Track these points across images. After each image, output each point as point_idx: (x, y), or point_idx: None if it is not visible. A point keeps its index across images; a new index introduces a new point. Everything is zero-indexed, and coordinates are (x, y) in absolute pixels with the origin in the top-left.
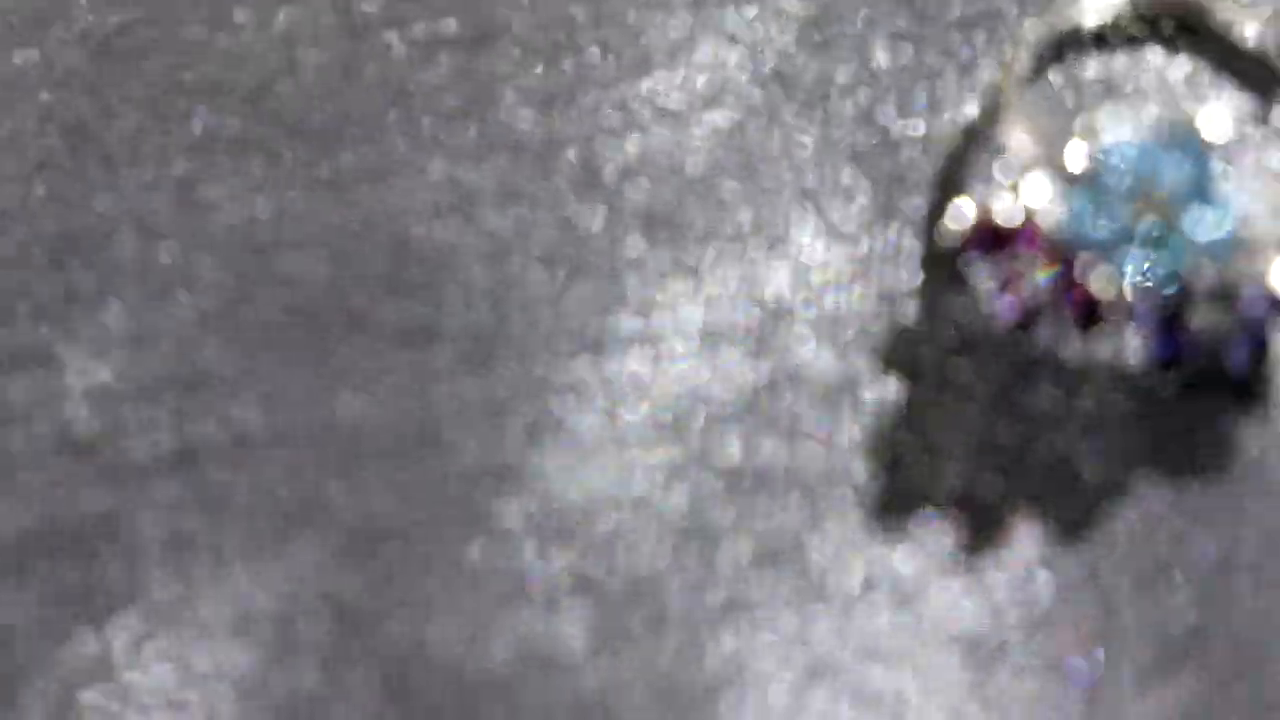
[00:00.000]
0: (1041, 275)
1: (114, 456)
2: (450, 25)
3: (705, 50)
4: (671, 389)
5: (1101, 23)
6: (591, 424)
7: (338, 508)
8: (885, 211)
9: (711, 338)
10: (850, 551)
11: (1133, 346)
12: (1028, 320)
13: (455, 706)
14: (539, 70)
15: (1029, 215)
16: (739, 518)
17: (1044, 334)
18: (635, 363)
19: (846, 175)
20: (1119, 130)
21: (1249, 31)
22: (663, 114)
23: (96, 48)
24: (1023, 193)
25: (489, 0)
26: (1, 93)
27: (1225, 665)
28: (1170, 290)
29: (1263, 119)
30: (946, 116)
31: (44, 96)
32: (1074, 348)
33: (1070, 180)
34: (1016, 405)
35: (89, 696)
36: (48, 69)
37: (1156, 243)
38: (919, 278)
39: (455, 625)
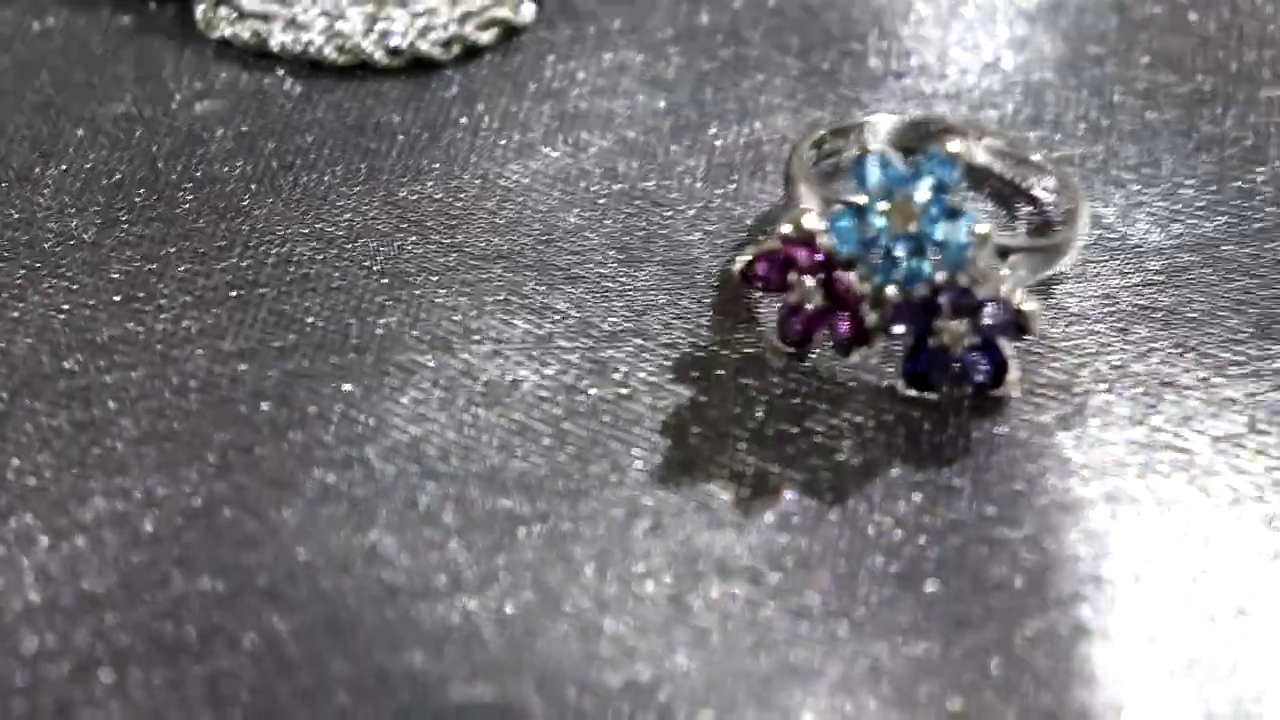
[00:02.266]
0: (813, 295)
1: None
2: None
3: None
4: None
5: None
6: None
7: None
8: (688, 267)
9: (546, 341)
10: (639, 494)
11: (892, 368)
12: (805, 340)
13: None
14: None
15: (804, 235)
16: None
17: (817, 353)
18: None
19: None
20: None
21: (982, 156)
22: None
23: None
24: (800, 221)
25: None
26: None
27: (956, 584)
28: (919, 288)
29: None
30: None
31: None
32: (843, 367)
33: (840, 206)
34: (791, 409)
35: None
36: None
37: (908, 247)
38: (716, 314)
39: None
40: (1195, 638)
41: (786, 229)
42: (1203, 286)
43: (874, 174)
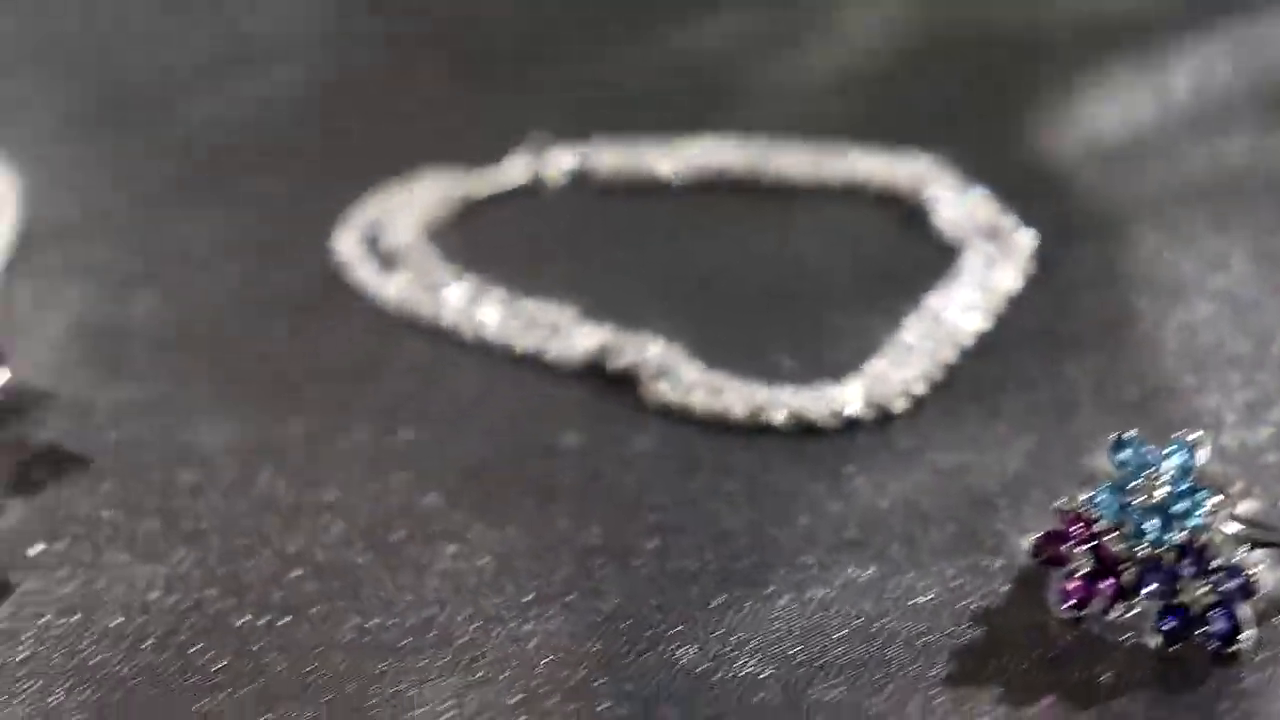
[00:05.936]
0: (1086, 564)
1: None
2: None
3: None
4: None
5: None
6: None
7: None
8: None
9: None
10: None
11: (1148, 629)
12: (1079, 605)
13: None
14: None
15: (1078, 514)
16: None
17: (1092, 617)
18: None
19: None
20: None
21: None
22: None
23: None
24: (1072, 498)
25: None
26: None
27: None
28: (1162, 549)
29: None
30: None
31: None
32: (1110, 626)
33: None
34: (1061, 651)
35: None
36: None
37: (1154, 518)
38: (1015, 586)
39: None
40: None
41: (1060, 504)
42: None
43: (1128, 454)
